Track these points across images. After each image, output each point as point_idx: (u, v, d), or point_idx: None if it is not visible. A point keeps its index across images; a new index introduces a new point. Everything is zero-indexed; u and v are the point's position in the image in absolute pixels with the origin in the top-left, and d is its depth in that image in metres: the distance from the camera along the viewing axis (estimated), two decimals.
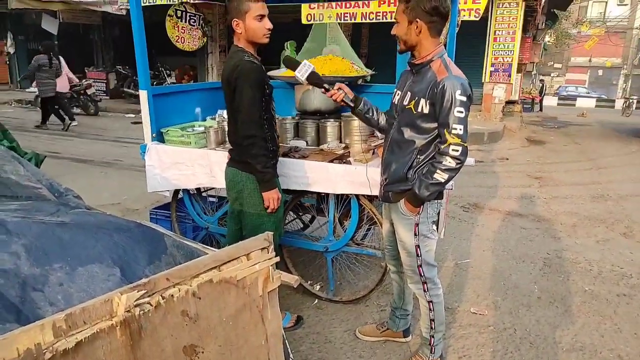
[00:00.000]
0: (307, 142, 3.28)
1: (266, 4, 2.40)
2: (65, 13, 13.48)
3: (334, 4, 4.13)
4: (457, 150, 2.07)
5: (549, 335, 2.92)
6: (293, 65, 2.40)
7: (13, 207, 1.66)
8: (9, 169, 1.91)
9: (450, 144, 2.07)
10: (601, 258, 4.12)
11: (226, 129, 3.12)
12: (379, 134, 3.13)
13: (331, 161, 2.87)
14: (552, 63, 37.58)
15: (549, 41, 26.13)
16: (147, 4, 9.75)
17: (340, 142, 3.23)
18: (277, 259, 1.53)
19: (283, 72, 3.53)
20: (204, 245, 1.83)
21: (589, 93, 32.32)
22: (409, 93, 2.21)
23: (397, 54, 2.36)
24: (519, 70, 13.41)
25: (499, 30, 11.09)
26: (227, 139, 3.18)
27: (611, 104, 26.28)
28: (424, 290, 2.40)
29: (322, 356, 2.67)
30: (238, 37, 2.42)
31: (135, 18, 3.04)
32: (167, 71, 13.83)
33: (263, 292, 1.47)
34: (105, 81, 14.91)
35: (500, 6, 10.90)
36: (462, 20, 8.65)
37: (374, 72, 3.68)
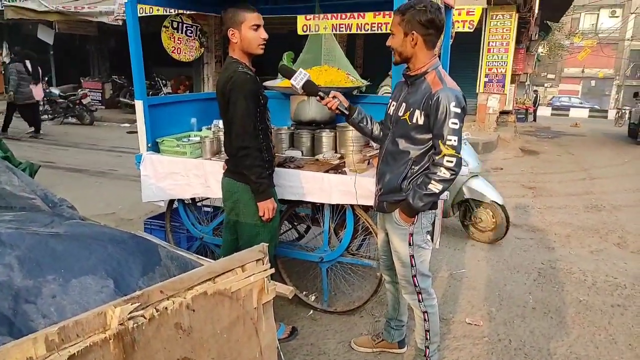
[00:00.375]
0: (302, 152, 3.29)
1: (262, 15, 2.43)
2: (61, 24, 13.49)
3: (329, 15, 4.16)
4: (452, 162, 2.09)
5: (543, 347, 2.91)
6: (289, 73, 2.42)
7: (7, 218, 1.65)
8: (3, 179, 1.90)
9: (444, 155, 2.09)
10: (595, 268, 4.13)
11: (222, 139, 3.13)
12: (374, 144, 3.14)
13: (326, 171, 2.88)
14: (546, 74, 37.91)
15: (542, 52, 26.38)
16: (143, 14, 9.80)
17: (336, 152, 3.24)
18: (272, 270, 1.53)
19: (279, 82, 3.55)
20: (199, 256, 1.82)
21: (582, 103, 32.65)
22: (403, 104, 2.23)
23: (393, 65, 2.38)
24: (512, 81, 13.54)
25: (493, 42, 11.20)
26: (222, 149, 3.19)
27: (604, 114, 26.51)
28: (419, 301, 2.39)
29: None
30: (233, 48, 2.44)
31: (132, 29, 3.06)
32: (163, 81, 13.84)
33: (258, 304, 1.47)
34: (101, 91, 14.91)
35: (494, 18, 11.02)
36: (456, 32, 8.75)
37: (369, 83, 3.71)
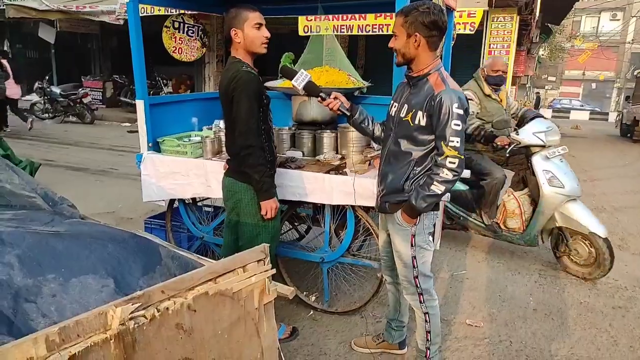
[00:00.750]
0: (303, 152, 3.28)
1: (264, 15, 2.43)
2: (62, 22, 13.49)
3: (331, 16, 4.15)
4: (454, 163, 2.08)
5: (545, 348, 2.91)
6: (290, 74, 2.42)
7: (7, 216, 1.64)
8: (3, 177, 1.89)
9: (447, 156, 2.08)
10: None
11: (222, 139, 3.12)
12: (375, 145, 3.14)
13: (327, 172, 2.87)
14: (546, 76, 37.90)
15: (543, 54, 26.38)
16: (145, 14, 9.79)
17: (337, 153, 3.23)
18: (274, 271, 1.52)
19: (280, 82, 3.54)
20: (199, 256, 1.82)
21: (582, 106, 32.64)
22: (406, 105, 2.22)
23: (394, 66, 2.38)
24: (513, 83, 13.50)
25: (494, 44, 11.18)
26: (223, 149, 3.19)
27: (605, 117, 26.50)
28: (420, 302, 2.39)
29: None
30: (236, 48, 2.44)
31: (133, 28, 3.05)
32: (164, 81, 13.83)
33: (259, 305, 1.46)
34: (101, 90, 14.90)
35: (495, 20, 11.02)
36: (457, 34, 8.74)
37: (370, 84, 3.70)
